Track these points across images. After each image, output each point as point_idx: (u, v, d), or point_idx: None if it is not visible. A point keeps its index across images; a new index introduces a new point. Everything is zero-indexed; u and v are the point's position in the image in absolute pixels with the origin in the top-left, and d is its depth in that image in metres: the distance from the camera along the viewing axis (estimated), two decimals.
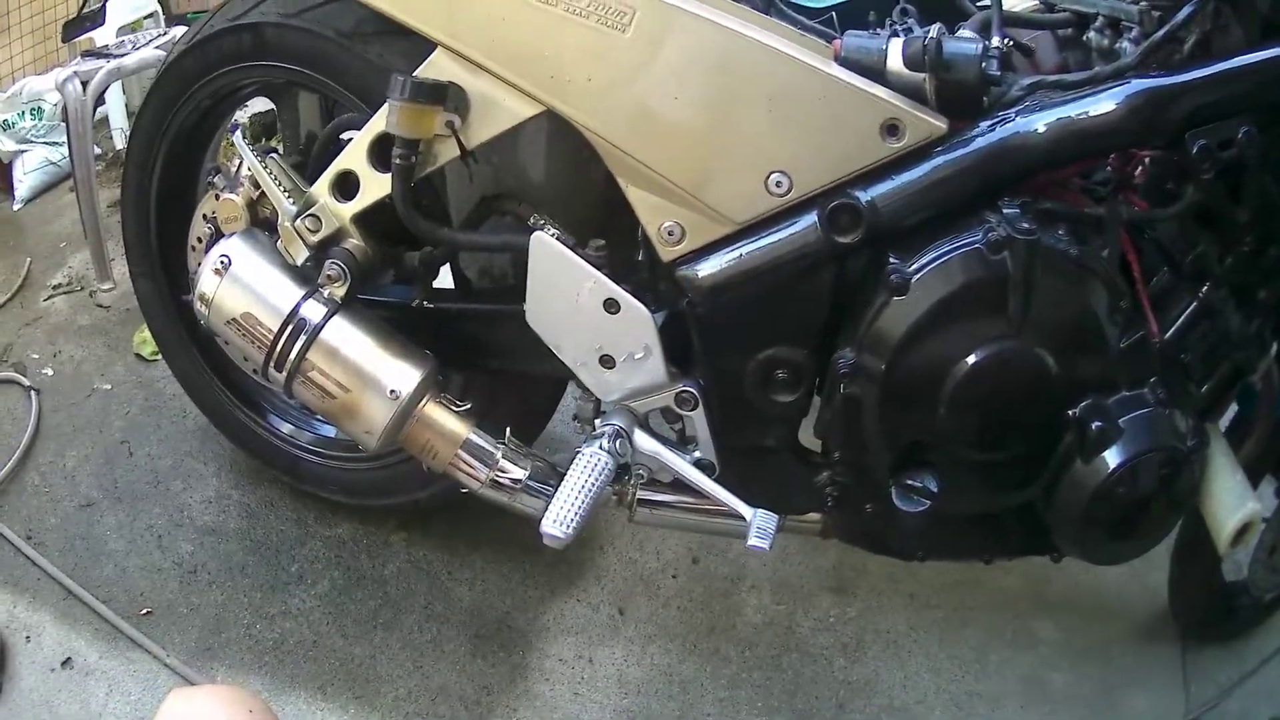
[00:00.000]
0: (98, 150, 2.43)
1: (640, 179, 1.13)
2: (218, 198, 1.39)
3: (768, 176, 1.09)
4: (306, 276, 1.31)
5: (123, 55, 2.15)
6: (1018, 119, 1.06)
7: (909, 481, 1.15)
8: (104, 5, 1.99)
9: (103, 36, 2.47)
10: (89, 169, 2.07)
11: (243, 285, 1.30)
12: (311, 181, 1.31)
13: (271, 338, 1.28)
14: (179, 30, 2.12)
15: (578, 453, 1.21)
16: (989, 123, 1.07)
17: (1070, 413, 1.10)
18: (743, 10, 1.10)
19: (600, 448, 1.20)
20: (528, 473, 1.30)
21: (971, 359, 1.07)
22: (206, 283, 1.32)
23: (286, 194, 1.31)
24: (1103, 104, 1.05)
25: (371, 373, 1.28)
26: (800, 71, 1.07)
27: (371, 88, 1.29)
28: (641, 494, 1.30)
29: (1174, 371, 1.15)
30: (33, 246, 2.49)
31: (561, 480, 1.20)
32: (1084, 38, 1.24)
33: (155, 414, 1.96)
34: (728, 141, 1.10)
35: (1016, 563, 1.31)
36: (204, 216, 1.47)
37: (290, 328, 1.28)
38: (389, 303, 1.40)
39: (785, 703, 1.53)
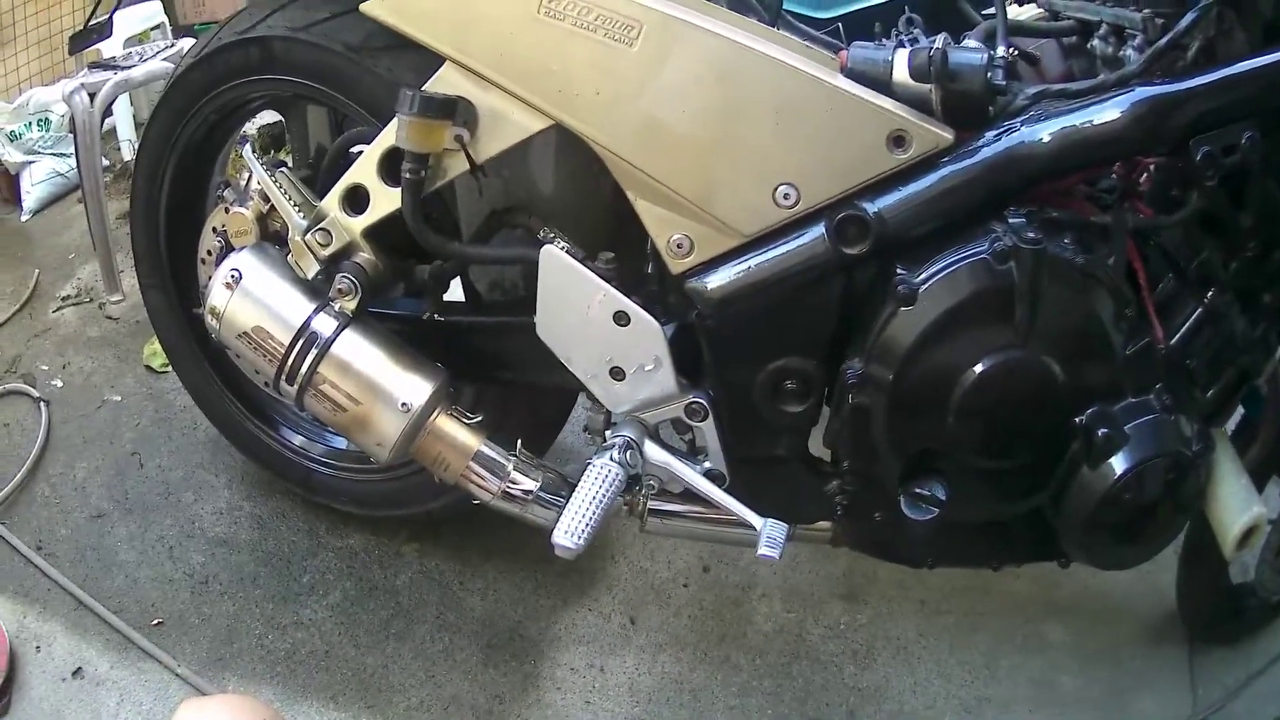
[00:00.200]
0: (105, 162, 2.44)
1: (648, 192, 1.14)
2: (227, 211, 1.40)
3: (775, 189, 1.09)
4: (317, 290, 1.32)
5: (130, 67, 2.17)
6: (1023, 128, 1.07)
7: (917, 490, 1.15)
8: (111, 17, 2.00)
9: (110, 48, 2.48)
10: (97, 181, 2.09)
11: (254, 299, 1.31)
12: (321, 195, 1.32)
13: (283, 351, 1.29)
14: (186, 42, 2.13)
15: (588, 464, 1.22)
16: (995, 133, 1.07)
17: (1077, 420, 1.10)
18: (748, 23, 1.11)
19: (611, 459, 1.21)
20: (539, 484, 1.30)
21: (978, 368, 1.08)
22: (217, 297, 1.33)
23: (296, 208, 1.32)
24: (1107, 112, 1.05)
25: (383, 386, 1.29)
26: (806, 84, 1.07)
27: (380, 102, 1.30)
28: (652, 504, 1.31)
29: (1179, 377, 1.16)
30: (41, 258, 2.50)
31: (572, 491, 1.21)
32: (1089, 45, 1.24)
33: (166, 426, 1.97)
34: (735, 154, 1.10)
35: (1026, 567, 1.32)
36: (214, 229, 1.47)
37: (301, 341, 1.28)
38: (400, 316, 1.41)
39: (796, 710, 1.53)
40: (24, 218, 2.67)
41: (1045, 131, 1.06)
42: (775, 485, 1.27)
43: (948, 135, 1.06)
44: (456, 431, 1.30)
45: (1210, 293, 1.16)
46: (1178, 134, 1.05)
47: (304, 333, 1.28)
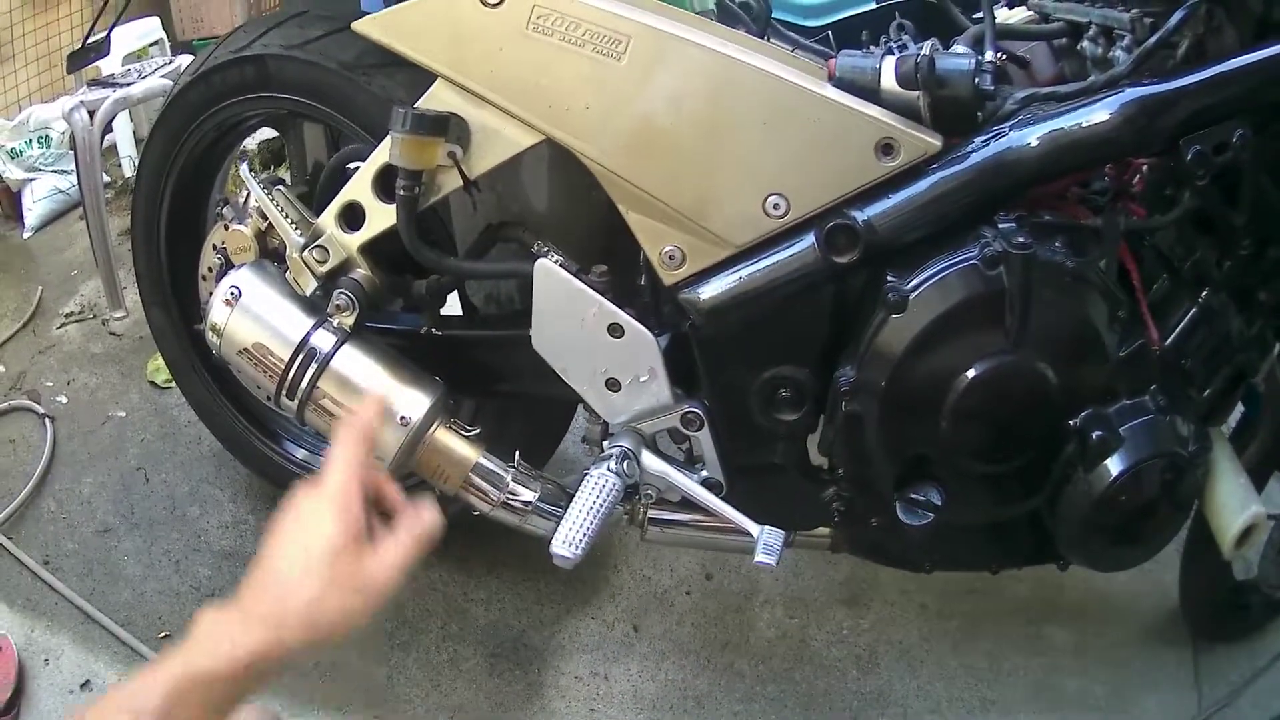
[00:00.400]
0: (106, 178, 2.46)
1: (640, 204, 1.14)
2: (227, 228, 1.41)
3: (765, 199, 1.10)
4: (316, 306, 1.32)
5: (129, 84, 2.18)
6: (1012, 133, 1.06)
7: (913, 495, 1.15)
8: (109, 35, 2.01)
9: (108, 65, 2.49)
10: (98, 198, 2.11)
11: (253, 316, 1.32)
12: (318, 211, 1.33)
13: (283, 367, 1.29)
14: (184, 58, 2.15)
15: (586, 474, 1.22)
16: (983, 138, 1.07)
17: (1071, 423, 1.10)
18: (736, 34, 1.11)
19: (608, 469, 1.21)
20: (537, 495, 1.31)
21: (970, 373, 1.08)
22: (218, 314, 1.33)
23: (294, 225, 1.33)
24: (1096, 114, 1.05)
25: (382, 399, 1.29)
26: (794, 94, 1.07)
27: (374, 119, 1.31)
28: (652, 513, 1.31)
29: (1175, 377, 1.16)
30: (44, 275, 2.52)
31: (571, 501, 1.21)
32: (1078, 47, 1.24)
33: (170, 440, 1.99)
34: (724, 165, 1.11)
35: (1028, 570, 1.31)
36: (214, 247, 1.48)
37: (301, 357, 1.29)
38: (398, 330, 1.41)
39: (800, 715, 1.54)
40: (26, 235, 2.69)
41: (1034, 135, 1.05)
42: (772, 493, 1.28)
43: (936, 142, 1.06)
44: (455, 444, 1.31)
45: (1205, 292, 1.16)
46: (1168, 134, 1.04)
47: (303, 348, 1.29)
